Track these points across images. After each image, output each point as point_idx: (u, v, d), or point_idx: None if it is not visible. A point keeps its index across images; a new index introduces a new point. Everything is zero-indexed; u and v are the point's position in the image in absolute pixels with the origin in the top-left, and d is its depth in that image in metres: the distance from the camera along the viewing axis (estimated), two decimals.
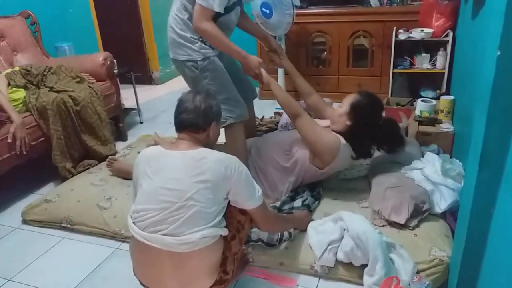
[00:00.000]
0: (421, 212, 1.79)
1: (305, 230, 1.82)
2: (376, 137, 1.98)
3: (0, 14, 3.02)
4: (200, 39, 2.07)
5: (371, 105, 1.94)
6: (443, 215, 1.85)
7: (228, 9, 2.04)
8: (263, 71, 2.07)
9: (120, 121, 3.26)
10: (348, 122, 1.94)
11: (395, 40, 3.19)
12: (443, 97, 2.62)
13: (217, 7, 1.94)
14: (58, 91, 2.57)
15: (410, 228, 1.76)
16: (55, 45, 3.40)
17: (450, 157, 2.13)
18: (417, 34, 3.15)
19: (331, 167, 1.98)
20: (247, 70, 2.11)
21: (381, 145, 2.02)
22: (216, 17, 2.01)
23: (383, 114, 1.99)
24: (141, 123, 3.68)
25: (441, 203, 1.83)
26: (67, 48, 3.43)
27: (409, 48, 3.31)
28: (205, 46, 2.08)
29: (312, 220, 1.87)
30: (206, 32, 2.00)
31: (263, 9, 3.18)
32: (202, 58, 2.08)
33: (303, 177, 2.08)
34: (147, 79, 4.99)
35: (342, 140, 1.93)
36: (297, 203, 2.02)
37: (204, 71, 2.09)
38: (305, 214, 1.90)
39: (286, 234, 1.80)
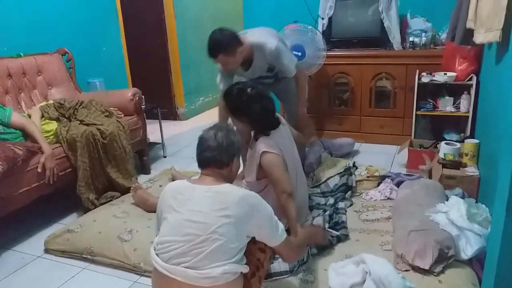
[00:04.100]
0: (446, 258, 1.74)
1: (322, 242, 1.88)
2: (256, 108, 1.98)
3: (40, 51, 3.21)
4: None
5: (230, 100, 2.04)
6: (469, 262, 1.79)
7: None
8: None
9: (145, 155, 3.34)
10: (245, 123, 2.03)
11: (418, 83, 3.21)
12: (468, 141, 2.59)
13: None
14: (87, 124, 2.67)
15: (434, 274, 1.71)
16: (87, 81, 3.55)
17: (476, 202, 2.08)
18: (440, 77, 3.16)
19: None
20: None
21: (262, 110, 2.01)
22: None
23: (248, 90, 2.00)
24: (165, 157, 3.75)
25: (467, 249, 1.77)
26: (98, 84, 3.57)
27: (432, 91, 3.32)
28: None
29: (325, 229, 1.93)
30: None
31: (294, 52, 3.30)
32: None
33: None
34: (172, 115, 5.13)
35: (267, 147, 1.95)
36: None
37: None
38: (316, 228, 1.93)
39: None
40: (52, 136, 2.62)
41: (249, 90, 1.99)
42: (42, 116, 2.69)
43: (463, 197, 2.18)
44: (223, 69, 2.45)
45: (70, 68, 3.38)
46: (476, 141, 2.56)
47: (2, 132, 2.39)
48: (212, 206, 1.35)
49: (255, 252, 1.47)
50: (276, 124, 2.08)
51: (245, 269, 1.40)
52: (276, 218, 1.47)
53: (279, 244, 1.47)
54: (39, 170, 2.35)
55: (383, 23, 3.52)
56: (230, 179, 1.51)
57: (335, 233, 2.04)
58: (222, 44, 2.24)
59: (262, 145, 1.96)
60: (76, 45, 3.48)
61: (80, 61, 3.46)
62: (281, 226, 1.47)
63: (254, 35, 2.41)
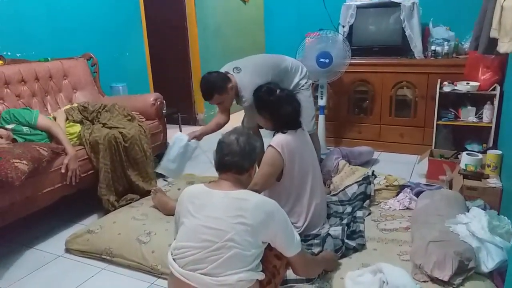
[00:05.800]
0: (466, 270, 1.70)
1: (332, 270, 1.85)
2: (283, 108, 2.08)
3: (66, 56, 3.31)
4: None
5: (258, 96, 2.19)
6: (490, 275, 1.75)
7: None
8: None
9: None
10: (268, 120, 2.14)
11: (440, 92, 3.17)
12: (490, 152, 2.54)
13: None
14: (110, 127, 2.73)
15: (454, 286, 1.67)
16: (111, 85, 3.64)
17: (498, 214, 2.04)
18: (462, 87, 3.11)
19: (289, 165, 2.06)
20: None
21: (292, 112, 2.11)
22: None
23: (277, 91, 2.13)
24: None
25: (488, 262, 1.74)
26: (121, 88, 3.66)
27: (454, 101, 3.27)
28: None
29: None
30: None
31: (321, 60, 3.31)
32: None
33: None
34: (192, 120, 5.19)
35: (274, 142, 2.04)
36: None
37: None
38: (332, 255, 1.91)
39: None
40: (76, 138, 2.69)
41: (278, 91, 2.13)
42: (67, 119, 2.76)
43: (484, 209, 2.14)
44: (220, 107, 2.64)
45: (94, 72, 3.47)
46: (499, 152, 2.51)
47: (28, 134, 2.47)
48: (228, 212, 1.36)
49: (272, 258, 1.47)
50: (297, 126, 2.13)
51: (261, 276, 1.40)
52: (292, 226, 1.47)
53: (294, 255, 1.46)
54: (63, 171, 2.41)
55: (405, 32, 3.50)
56: (247, 184, 1.52)
57: (351, 244, 2.03)
58: (214, 85, 2.47)
59: (273, 140, 2.06)
60: (101, 51, 3.58)
61: (104, 66, 3.55)
62: (296, 236, 1.46)
63: (239, 76, 2.54)
